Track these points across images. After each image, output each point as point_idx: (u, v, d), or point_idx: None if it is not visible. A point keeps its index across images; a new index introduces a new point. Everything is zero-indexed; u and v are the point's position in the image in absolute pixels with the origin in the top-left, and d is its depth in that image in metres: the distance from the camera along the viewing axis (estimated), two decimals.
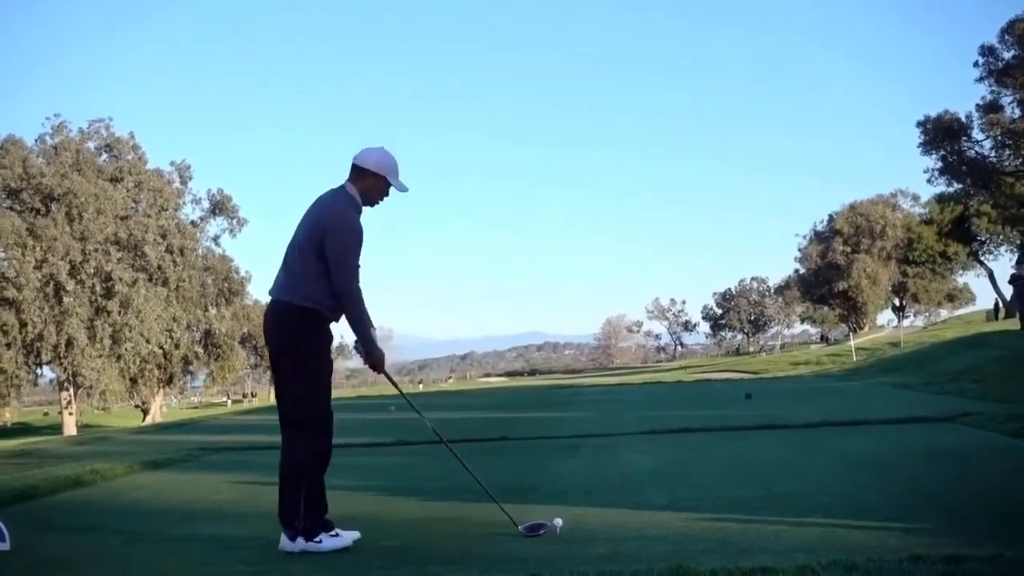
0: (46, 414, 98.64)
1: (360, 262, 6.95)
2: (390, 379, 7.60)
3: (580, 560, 6.00)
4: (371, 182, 7.02)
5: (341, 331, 7.03)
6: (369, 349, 6.99)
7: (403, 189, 7.14)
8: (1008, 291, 62.65)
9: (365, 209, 7.09)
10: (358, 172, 7.03)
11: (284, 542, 6.78)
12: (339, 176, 7.07)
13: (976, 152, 69.56)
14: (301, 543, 6.70)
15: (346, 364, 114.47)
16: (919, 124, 70.18)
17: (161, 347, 61.20)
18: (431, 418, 7.61)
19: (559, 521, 6.92)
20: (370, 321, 7.01)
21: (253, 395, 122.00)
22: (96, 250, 58.20)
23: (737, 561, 5.47)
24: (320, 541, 6.74)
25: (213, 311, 69.07)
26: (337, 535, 7.02)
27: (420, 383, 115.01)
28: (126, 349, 58.98)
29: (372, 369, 7.12)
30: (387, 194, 7.14)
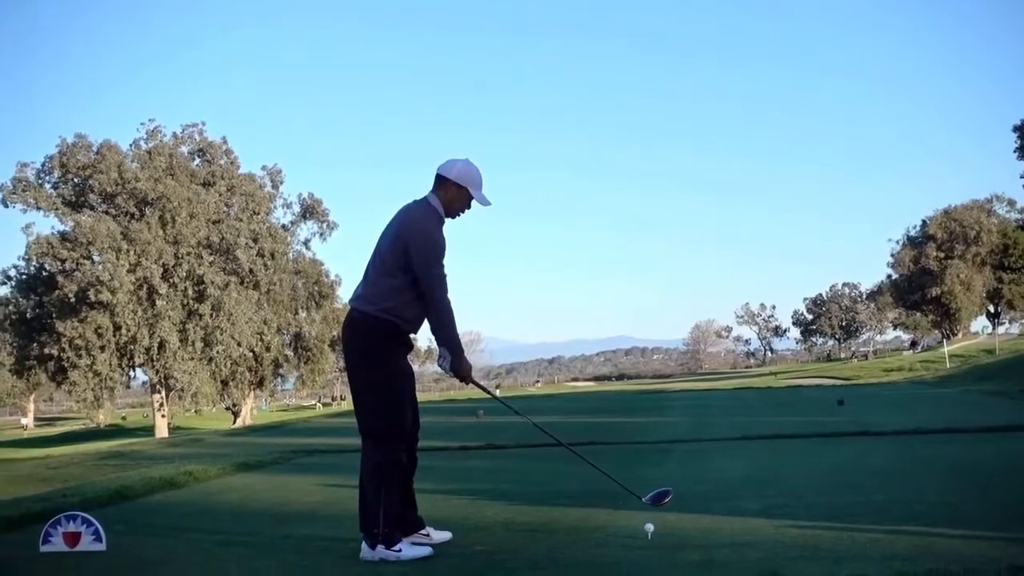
0: (123, 418, 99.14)
1: (446, 271, 6.96)
2: (481, 387, 7.60)
3: (673, 567, 5.96)
4: (453, 193, 7.00)
5: (429, 336, 7.02)
6: (456, 360, 6.97)
7: (485, 203, 7.10)
8: None
9: (448, 220, 7.11)
10: (441, 183, 7.02)
11: (364, 550, 6.77)
12: (430, 180, 7.07)
13: None
14: (381, 551, 6.68)
15: (434, 367, 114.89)
16: (1016, 128, 69.12)
17: (252, 350, 61.84)
18: (519, 422, 7.58)
19: (650, 527, 6.85)
20: (457, 332, 7.02)
21: (342, 398, 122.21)
22: (189, 254, 58.81)
23: (832, 569, 5.41)
24: (400, 550, 6.69)
25: (303, 314, 69.54)
26: (428, 534, 7.07)
27: (497, 388, 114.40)
28: (217, 352, 59.62)
29: (460, 380, 7.12)
30: (469, 206, 7.12)
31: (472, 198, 7.06)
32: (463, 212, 7.13)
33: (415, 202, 7.06)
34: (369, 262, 7.08)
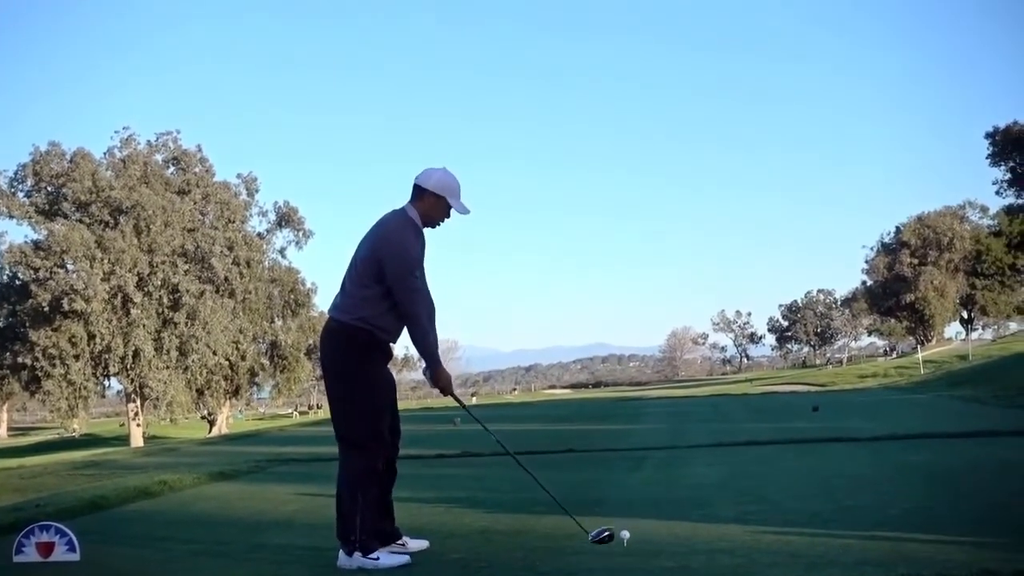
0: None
1: (421, 283, 6.95)
2: (458, 400, 7.60)
3: (648, 573, 5.98)
4: (431, 202, 6.97)
5: (406, 343, 7.02)
6: (435, 371, 6.96)
7: (464, 211, 7.07)
8: None
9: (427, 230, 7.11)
10: (419, 192, 7.00)
11: (341, 558, 6.76)
12: (406, 188, 7.08)
13: None
14: (358, 559, 6.67)
15: (411, 376, 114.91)
16: (988, 135, 69.70)
17: (227, 358, 61.71)
18: (496, 430, 7.58)
19: (626, 534, 6.85)
20: (436, 343, 7.02)
21: (319, 407, 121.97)
22: (163, 262, 58.76)
23: (805, 575, 5.43)
24: (377, 558, 6.69)
25: (279, 323, 69.47)
26: (404, 543, 7.07)
27: (473, 396, 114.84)
28: (193, 361, 59.49)
29: (440, 392, 7.10)
30: (448, 215, 7.09)
31: (451, 207, 7.04)
32: (442, 222, 7.11)
33: (392, 212, 7.06)
34: (346, 272, 7.07)
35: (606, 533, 6.83)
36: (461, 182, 7.09)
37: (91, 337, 56.97)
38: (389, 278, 6.75)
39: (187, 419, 72.34)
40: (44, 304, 55.50)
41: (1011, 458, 11.70)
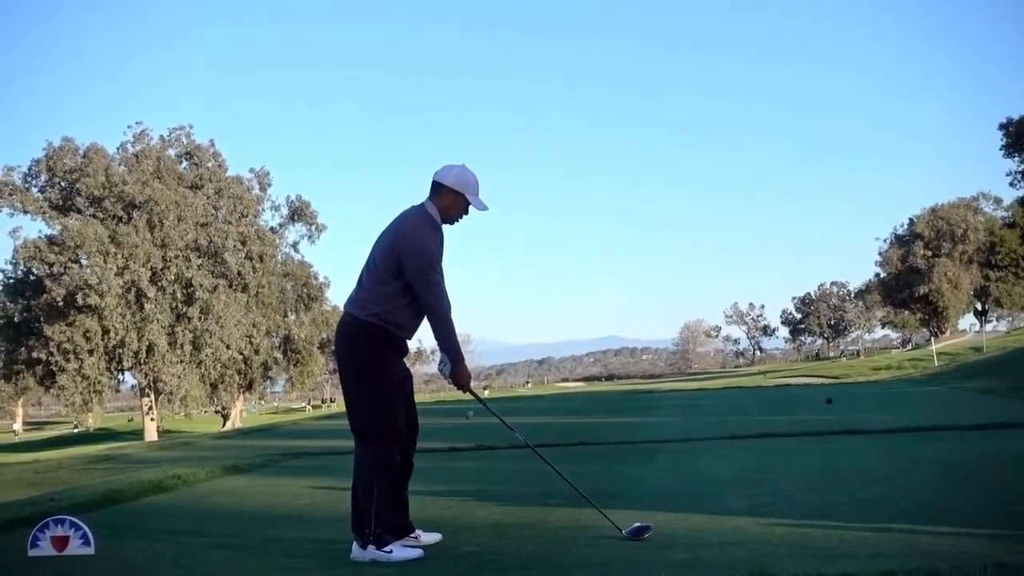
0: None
1: (440, 278, 6.93)
2: (478, 397, 7.59)
3: (661, 566, 5.96)
4: (450, 199, 6.99)
5: (419, 337, 7.04)
6: (456, 367, 6.97)
7: (482, 208, 7.09)
8: None
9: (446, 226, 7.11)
10: (437, 189, 7.01)
11: (354, 550, 6.79)
12: (421, 182, 7.08)
13: None
14: (371, 552, 6.69)
15: (424, 369, 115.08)
16: (1001, 127, 69.16)
17: (241, 353, 61.66)
18: (509, 423, 7.56)
19: (638, 525, 6.87)
20: (455, 340, 6.99)
21: (332, 400, 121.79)
22: (177, 257, 58.69)
23: (819, 567, 5.40)
24: (390, 551, 6.70)
25: (292, 317, 69.44)
26: (417, 537, 7.08)
27: (486, 389, 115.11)
28: (206, 355, 59.45)
29: (458, 388, 7.10)
30: (466, 212, 7.11)
31: (469, 204, 7.05)
32: (461, 218, 7.13)
33: (412, 208, 7.06)
34: (364, 268, 7.08)
35: (646, 535, 6.81)
36: (479, 178, 7.10)
37: (105, 332, 56.92)
38: (407, 273, 6.75)
39: (204, 413, 72.52)
40: (58, 299, 55.42)
41: None
